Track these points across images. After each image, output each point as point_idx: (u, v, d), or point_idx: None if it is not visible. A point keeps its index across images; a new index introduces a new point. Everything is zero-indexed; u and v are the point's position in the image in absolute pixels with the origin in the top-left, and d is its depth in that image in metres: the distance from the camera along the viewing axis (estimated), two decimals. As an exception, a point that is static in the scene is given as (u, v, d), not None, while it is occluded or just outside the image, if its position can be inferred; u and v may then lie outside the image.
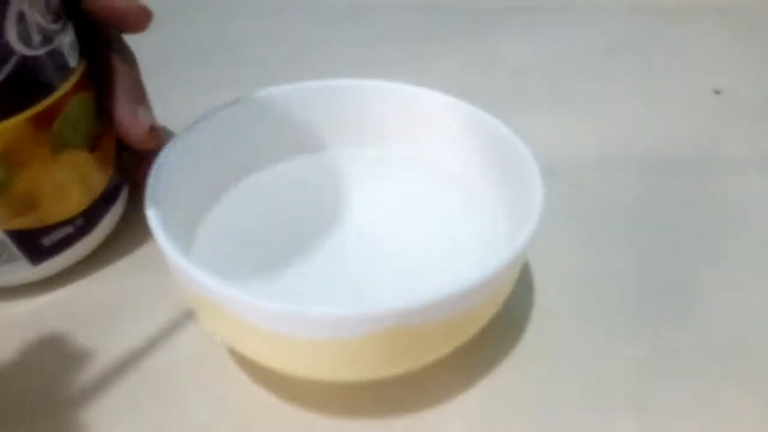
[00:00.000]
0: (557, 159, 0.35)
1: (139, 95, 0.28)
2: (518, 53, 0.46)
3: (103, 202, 0.28)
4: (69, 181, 0.26)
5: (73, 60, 0.25)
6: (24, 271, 0.27)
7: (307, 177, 0.30)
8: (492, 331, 0.24)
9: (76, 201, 0.27)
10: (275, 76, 0.40)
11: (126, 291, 0.28)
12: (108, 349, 0.26)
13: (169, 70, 0.43)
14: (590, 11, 0.51)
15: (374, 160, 0.30)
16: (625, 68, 0.44)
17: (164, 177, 0.24)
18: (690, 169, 0.35)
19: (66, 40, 0.25)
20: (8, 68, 0.22)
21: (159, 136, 0.28)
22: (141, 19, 0.26)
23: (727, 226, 0.32)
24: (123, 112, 0.27)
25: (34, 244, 0.26)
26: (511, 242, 0.22)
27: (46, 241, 0.26)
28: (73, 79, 0.25)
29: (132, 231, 0.30)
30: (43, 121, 0.24)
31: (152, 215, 0.22)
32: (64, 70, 0.25)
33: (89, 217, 0.27)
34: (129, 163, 0.30)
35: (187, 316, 0.27)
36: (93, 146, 0.27)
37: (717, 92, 0.42)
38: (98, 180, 0.28)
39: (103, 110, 0.27)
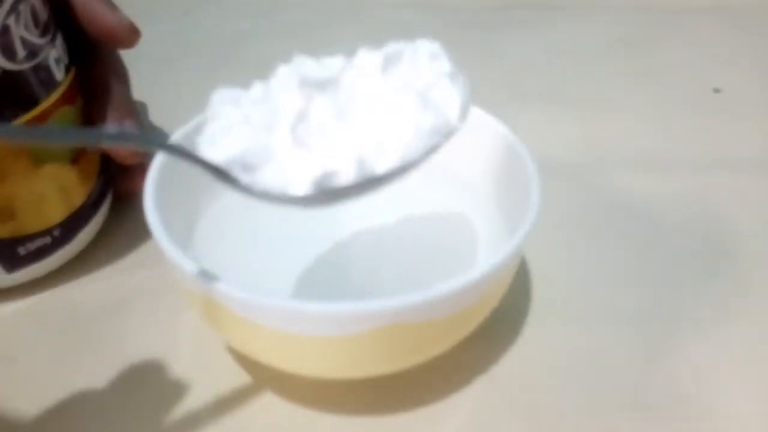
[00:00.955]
0: (556, 156, 0.35)
1: (127, 110, 0.28)
2: (518, 51, 0.46)
3: (83, 213, 0.28)
4: (48, 192, 0.26)
5: (59, 73, 0.25)
6: (3, 278, 0.27)
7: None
8: (489, 328, 0.24)
9: (54, 212, 0.27)
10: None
11: (125, 283, 0.28)
12: (106, 344, 0.26)
13: (169, 67, 0.43)
14: (590, 9, 0.50)
15: None
16: (625, 66, 0.44)
17: (163, 175, 0.24)
18: (689, 168, 0.35)
19: (52, 54, 0.25)
20: None
21: (143, 154, 0.28)
22: (130, 37, 0.27)
23: (725, 225, 0.31)
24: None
25: (9, 253, 0.26)
26: (507, 239, 0.22)
27: (22, 250, 0.26)
28: (58, 93, 0.25)
29: (116, 234, 0.30)
30: None
31: (151, 214, 0.22)
32: (49, 84, 0.25)
33: (67, 229, 0.27)
34: (115, 174, 0.30)
35: (186, 310, 0.27)
36: (75, 159, 0.27)
37: (717, 91, 0.41)
38: (79, 192, 0.28)
39: (89, 123, 0.28)
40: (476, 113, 0.27)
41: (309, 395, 0.24)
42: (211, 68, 0.43)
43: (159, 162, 0.24)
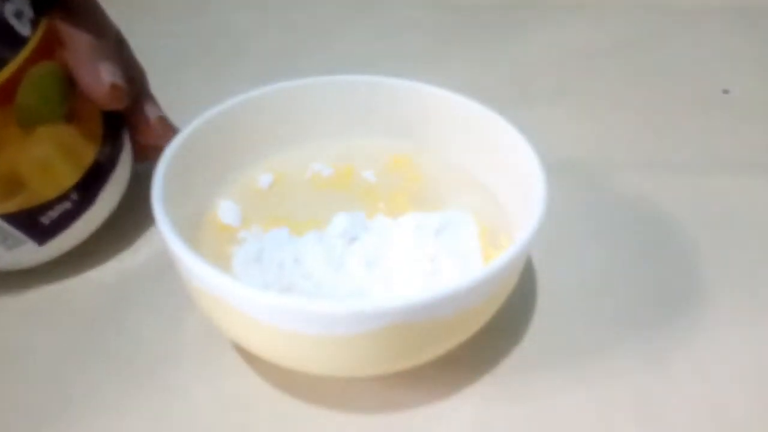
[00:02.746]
0: (563, 155, 0.34)
1: (101, 53, 0.27)
2: (526, 49, 0.45)
3: (97, 173, 0.27)
4: (50, 155, 0.25)
5: (24, 29, 0.24)
6: (32, 253, 0.27)
7: (312, 172, 0.29)
8: (495, 327, 0.24)
9: (63, 175, 0.26)
10: (280, 69, 0.39)
11: (130, 279, 0.28)
12: (110, 340, 0.26)
13: (174, 63, 0.43)
14: (599, 8, 0.50)
15: (378, 156, 0.29)
16: (634, 66, 0.43)
17: (171, 171, 0.24)
18: (697, 169, 0.35)
19: (9, 8, 0.24)
20: None
21: (122, 94, 0.26)
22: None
23: (733, 227, 0.31)
24: (81, 69, 0.25)
25: (33, 224, 0.26)
26: (512, 240, 0.22)
27: (45, 219, 0.26)
28: (28, 49, 0.24)
29: (136, 213, 0.30)
30: (2, 98, 0.24)
31: (159, 210, 0.22)
32: (13, 41, 0.24)
33: (84, 191, 0.27)
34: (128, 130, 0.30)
35: (191, 307, 0.26)
36: (70, 116, 0.26)
37: (725, 92, 0.41)
38: (84, 151, 0.27)
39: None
40: (481, 111, 0.27)
41: (314, 392, 0.24)
42: (220, 65, 0.43)
43: (165, 156, 0.24)
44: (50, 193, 0.26)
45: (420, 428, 0.23)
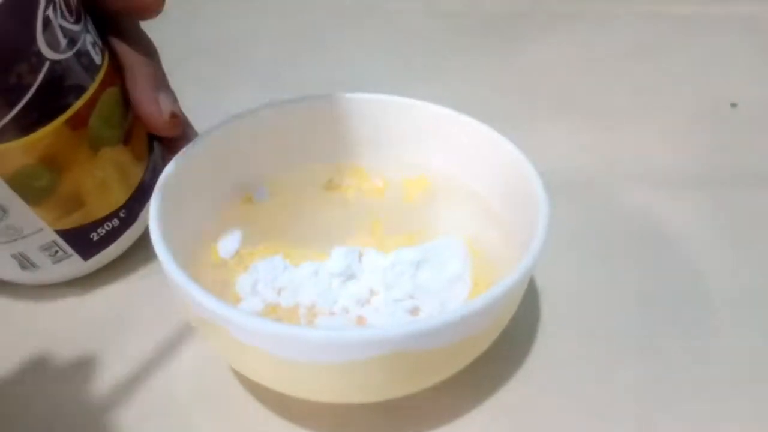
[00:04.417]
0: (567, 167, 0.34)
1: (159, 82, 0.28)
2: (530, 59, 0.45)
3: (141, 192, 0.29)
4: (109, 176, 0.27)
5: (97, 57, 0.25)
6: (75, 266, 0.28)
7: (316, 188, 0.30)
8: (497, 349, 0.23)
9: (117, 194, 0.27)
10: (279, 79, 0.38)
11: (137, 299, 0.28)
12: (113, 360, 0.26)
13: (177, 68, 0.41)
14: (605, 19, 0.49)
15: (374, 175, 0.30)
16: (640, 78, 0.43)
17: (169, 192, 0.24)
18: (703, 183, 0.34)
19: (88, 39, 0.25)
20: (41, 76, 0.23)
21: (180, 123, 0.28)
22: (153, 5, 0.26)
23: (738, 242, 0.31)
24: (143, 99, 0.27)
25: (84, 240, 0.27)
26: (514, 262, 0.21)
27: (95, 236, 0.27)
28: (100, 76, 0.25)
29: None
30: (79, 122, 0.25)
31: (156, 233, 0.22)
32: (91, 68, 0.25)
33: (130, 209, 0.28)
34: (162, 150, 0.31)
35: (186, 334, 0.27)
36: (126, 139, 0.27)
37: (733, 105, 0.40)
38: (135, 172, 0.28)
39: (126, 101, 0.28)
40: (484, 129, 0.26)
41: (313, 418, 0.24)
42: (221, 69, 0.43)
43: (164, 176, 0.24)
44: (103, 211, 0.27)
45: None
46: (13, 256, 0.26)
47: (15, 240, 0.25)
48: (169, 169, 0.25)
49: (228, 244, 0.27)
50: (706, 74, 0.44)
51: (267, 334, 0.19)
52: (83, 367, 0.26)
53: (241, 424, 0.24)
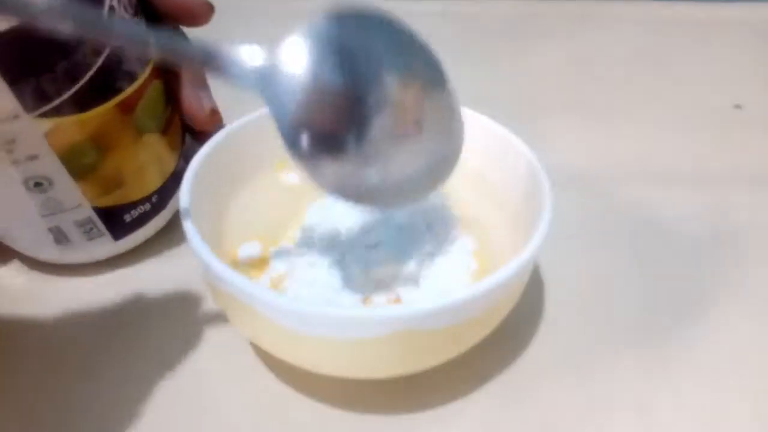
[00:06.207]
0: (574, 166, 0.35)
1: (200, 81, 0.30)
2: (539, 60, 0.46)
3: (173, 180, 0.30)
4: (147, 161, 0.28)
5: None
6: (106, 247, 0.29)
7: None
8: (502, 333, 0.24)
9: (152, 180, 0.29)
10: None
11: (162, 283, 0.29)
12: (139, 340, 0.27)
13: None
14: (612, 21, 0.50)
15: None
16: (646, 79, 0.44)
17: (197, 181, 0.25)
18: (706, 183, 0.35)
19: None
20: (101, 59, 0.25)
21: (219, 118, 0.30)
22: (205, 13, 0.29)
23: (742, 241, 0.31)
24: (188, 96, 0.29)
25: (117, 221, 0.28)
26: (520, 250, 0.22)
27: (128, 217, 0.29)
28: (149, 68, 0.28)
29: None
30: (128, 107, 0.27)
31: (186, 212, 0.23)
32: (142, 60, 0.27)
33: (162, 195, 0.30)
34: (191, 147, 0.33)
35: (208, 311, 0.28)
36: (165, 129, 0.29)
37: (737, 107, 0.41)
38: (169, 160, 0.30)
39: (171, 96, 0.30)
40: (490, 125, 0.28)
41: (328, 393, 0.25)
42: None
43: (192, 166, 0.25)
44: (138, 194, 0.29)
45: (430, 430, 0.24)
46: (50, 229, 0.27)
47: (55, 213, 0.27)
48: (200, 156, 0.26)
49: (248, 249, 0.28)
50: (710, 76, 0.44)
51: (285, 310, 0.21)
52: (105, 350, 0.27)
53: (259, 399, 0.25)
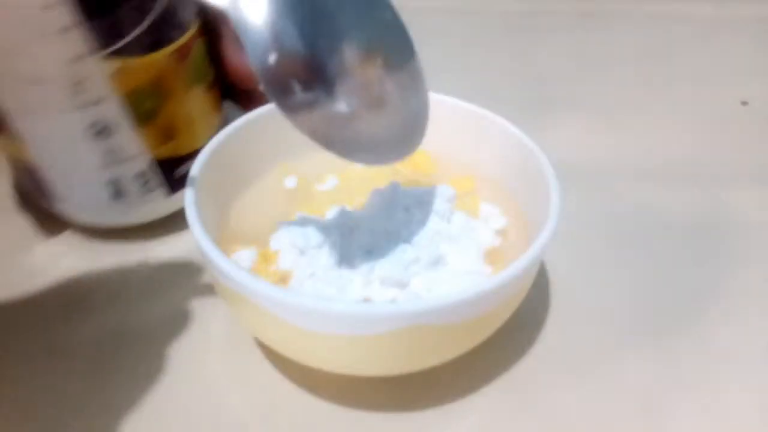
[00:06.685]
0: (580, 163, 0.35)
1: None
2: (545, 57, 0.46)
3: (216, 139, 0.31)
4: (197, 115, 0.29)
5: (194, 9, 0.29)
6: (156, 204, 0.29)
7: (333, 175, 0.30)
8: (509, 331, 0.24)
9: (200, 134, 0.30)
10: None
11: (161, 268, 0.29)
12: (126, 341, 0.26)
13: None
14: (619, 17, 0.50)
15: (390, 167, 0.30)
16: (652, 76, 0.44)
17: (204, 175, 0.25)
18: (714, 180, 0.35)
19: None
20: (160, 8, 0.26)
21: None
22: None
23: (748, 237, 0.31)
24: (232, 53, 0.31)
25: (170, 174, 0.29)
26: (527, 246, 0.22)
27: (178, 173, 0.29)
28: (196, 24, 0.29)
29: None
30: (182, 55, 0.28)
31: (190, 205, 0.23)
32: (190, 15, 0.29)
33: (207, 153, 0.31)
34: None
35: (214, 308, 0.28)
36: (211, 84, 0.30)
37: (744, 103, 0.41)
38: (215, 117, 0.31)
39: (214, 58, 0.31)
40: (497, 121, 0.28)
41: (333, 390, 0.25)
42: None
43: (200, 159, 0.25)
44: (188, 148, 0.29)
45: (431, 428, 0.24)
46: (108, 182, 0.28)
47: (113, 164, 0.27)
48: (205, 151, 0.26)
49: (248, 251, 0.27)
50: (717, 72, 0.44)
51: (291, 306, 0.20)
52: (109, 349, 0.26)
53: (265, 396, 0.25)
